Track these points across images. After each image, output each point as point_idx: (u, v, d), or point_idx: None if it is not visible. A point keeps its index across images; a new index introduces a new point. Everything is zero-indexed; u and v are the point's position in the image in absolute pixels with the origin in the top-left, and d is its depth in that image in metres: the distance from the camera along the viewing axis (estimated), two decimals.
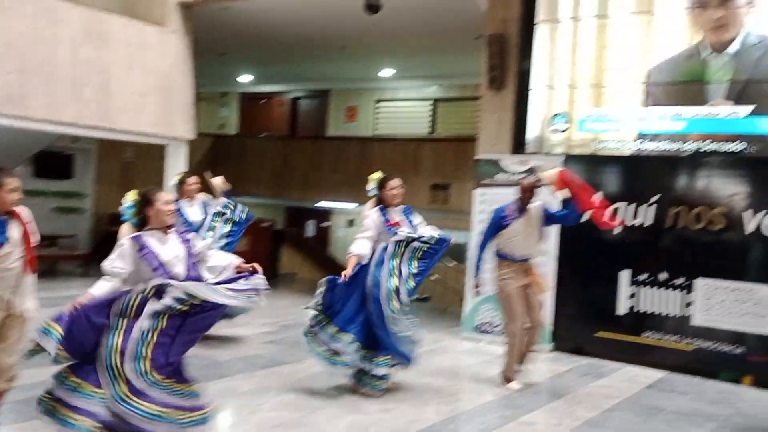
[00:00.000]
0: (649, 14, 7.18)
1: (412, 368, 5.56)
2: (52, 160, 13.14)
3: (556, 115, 7.68)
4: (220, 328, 7.48)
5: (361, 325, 5.27)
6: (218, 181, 7.12)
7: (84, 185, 13.79)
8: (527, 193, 5.78)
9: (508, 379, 5.92)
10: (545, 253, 7.38)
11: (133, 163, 14.33)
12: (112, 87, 9.47)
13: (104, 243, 13.32)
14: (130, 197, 3.99)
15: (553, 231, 7.36)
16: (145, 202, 3.91)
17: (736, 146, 6.68)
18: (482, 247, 5.82)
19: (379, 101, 16.81)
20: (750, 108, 6.61)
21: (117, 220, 14.18)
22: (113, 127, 9.58)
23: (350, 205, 15.48)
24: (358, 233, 5.46)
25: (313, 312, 5.37)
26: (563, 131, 7.63)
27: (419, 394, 5.55)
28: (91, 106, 9.22)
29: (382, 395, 5.35)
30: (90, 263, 11.55)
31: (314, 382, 5.65)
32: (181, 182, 7.02)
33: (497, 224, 5.80)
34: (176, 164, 10.53)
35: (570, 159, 7.45)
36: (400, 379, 5.76)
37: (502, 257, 5.83)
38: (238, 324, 7.65)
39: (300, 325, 8.10)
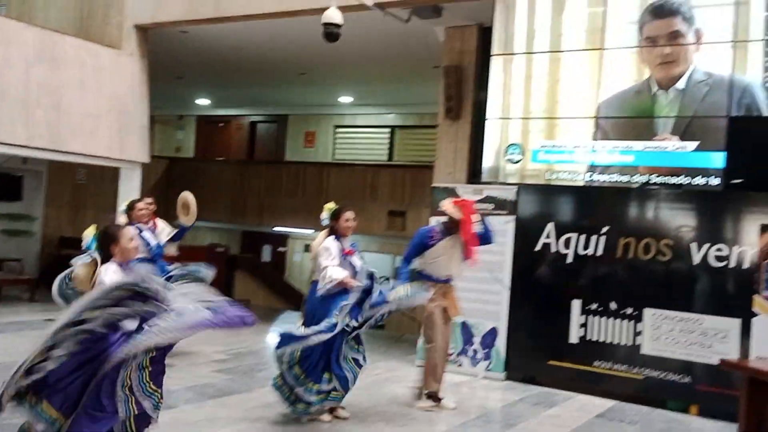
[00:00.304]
0: (600, 50, 7.37)
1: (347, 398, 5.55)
2: (0, 182, 12.82)
3: (510, 145, 7.79)
4: (169, 356, 7.32)
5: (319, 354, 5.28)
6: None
7: (33, 207, 13.46)
8: (454, 223, 5.98)
9: (431, 396, 6.03)
10: (501, 281, 7.46)
11: (85, 185, 14.06)
12: (64, 109, 9.32)
13: (53, 267, 13.01)
14: (90, 233, 3.91)
15: (507, 261, 7.45)
16: (110, 239, 3.84)
17: (684, 179, 6.85)
18: (406, 262, 5.98)
19: (337, 127, 16.86)
20: (695, 143, 6.80)
21: (67, 244, 13.89)
22: (65, 149, 9.41)
23: (307, 231, 15.42)
24: (326, 261, 5.47)
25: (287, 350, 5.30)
26: (517, 162, 7.74)
27: (371, 423, 5.50)
28: (43, 127, 9.06)
29: (305, 421, 5.32)
30: (37, 288, 11.24)
31: (265, 411, 5.57)
32: (131, 207, 7.03)
33: (422, 243, 5.98)
34: (130, 187, 10.40)
35: (523, 189, 7.57)
36: (353, 408, 5.72)
37: (425, 277, 5.96)
38: (189, 352, 7.53)
39: (252, 353, 8.02)
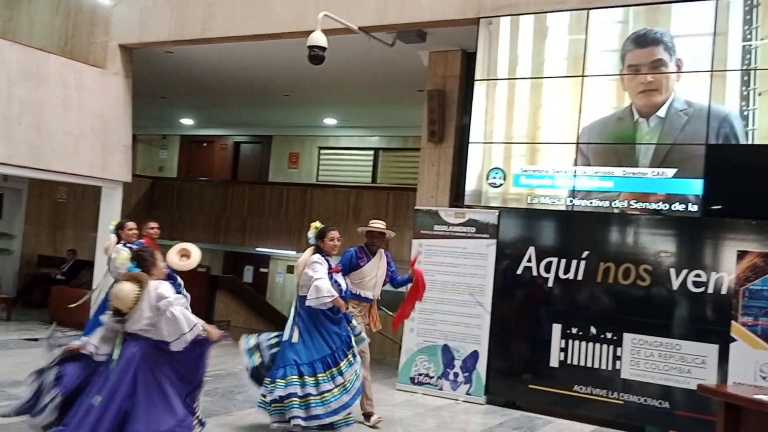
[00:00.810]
0: (582, 77, 7.46)
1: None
2: None
3: (492, 169, 7.84)
4: None
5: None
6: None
7: (13, 226, 13.32)
8: (378, 239, 6.22)
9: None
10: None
11: (65, 203, 13.96)
12: (46, 127, 9.28)
13: (31, 285, 12.88)
14: (126, 258, 4.42)
15: (488, 285, 7.48)
16: (149, 263, 4.19)
17: (663, 206, 6.93)
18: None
19: (321, 149, 16.90)
20: (674, 170, 6.89)
21: (45, 262, 13.70)
22: (46, 167, 9.34)
23: (290, 252, 15.37)
24: (317, 273, 5.48)
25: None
26: (499, 186, 7.79)
27: None
28: (24, 145, 9.01)
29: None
30: (14, 307, 11.09)
31: None
32: (121, 227, 7.18)
33: (352, 264, 6.11)
34: (111, 206, 10.36)
35: (505, 213, 7.62)
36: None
37: (353, 297, 6.06)
38: None
39: (231, 375, 7.95)
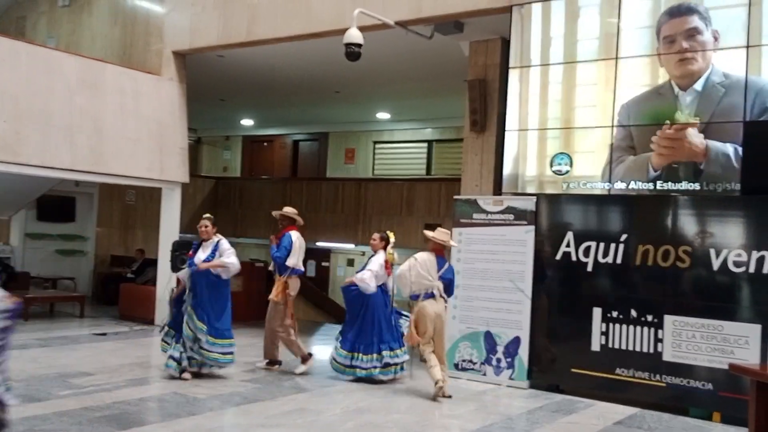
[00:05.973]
0: (615, 60, 7.39)
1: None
2: (55, 204, 13.50)
3: (557, 154, 7.70)
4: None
5: None
6: None
7: (85, 228, 14.12)
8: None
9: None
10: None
11: (134, 205, 14.66)
12: (106, 133, 9.82)
13: (105, 284, 13.62)
14: None
15: (528, 271, 7.52)
16: None
17: (701, 185, 6.82)
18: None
19: (376, 143, 17.12)
20: None
21: (117, 262, 14.35)
22: (107, 171, 9.88)
23: (348, 246, 15.65)
24: None
25: None
26: (565, 173, 7.70)
27: (386, 429, 5.64)
28: (85, 151, 9.55)
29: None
30: (86, 305, 11.75)
31: (284, 419, 5.77)
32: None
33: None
34: (171, 206, 10.88)
35: (542, 198, 7.62)
36: (371, 414, 5.85)
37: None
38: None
39: (284, 364, 8.22)
